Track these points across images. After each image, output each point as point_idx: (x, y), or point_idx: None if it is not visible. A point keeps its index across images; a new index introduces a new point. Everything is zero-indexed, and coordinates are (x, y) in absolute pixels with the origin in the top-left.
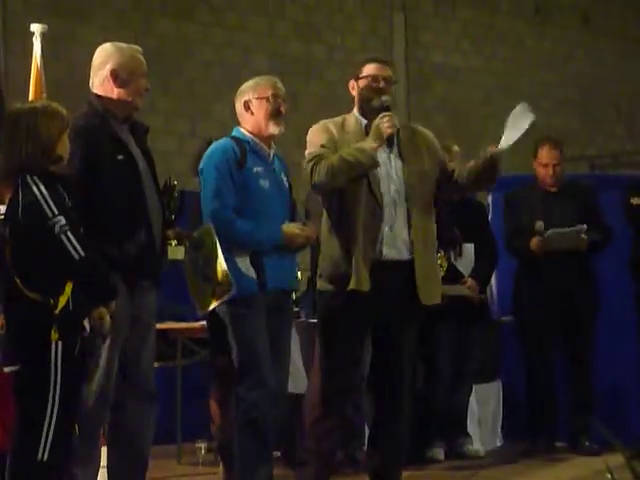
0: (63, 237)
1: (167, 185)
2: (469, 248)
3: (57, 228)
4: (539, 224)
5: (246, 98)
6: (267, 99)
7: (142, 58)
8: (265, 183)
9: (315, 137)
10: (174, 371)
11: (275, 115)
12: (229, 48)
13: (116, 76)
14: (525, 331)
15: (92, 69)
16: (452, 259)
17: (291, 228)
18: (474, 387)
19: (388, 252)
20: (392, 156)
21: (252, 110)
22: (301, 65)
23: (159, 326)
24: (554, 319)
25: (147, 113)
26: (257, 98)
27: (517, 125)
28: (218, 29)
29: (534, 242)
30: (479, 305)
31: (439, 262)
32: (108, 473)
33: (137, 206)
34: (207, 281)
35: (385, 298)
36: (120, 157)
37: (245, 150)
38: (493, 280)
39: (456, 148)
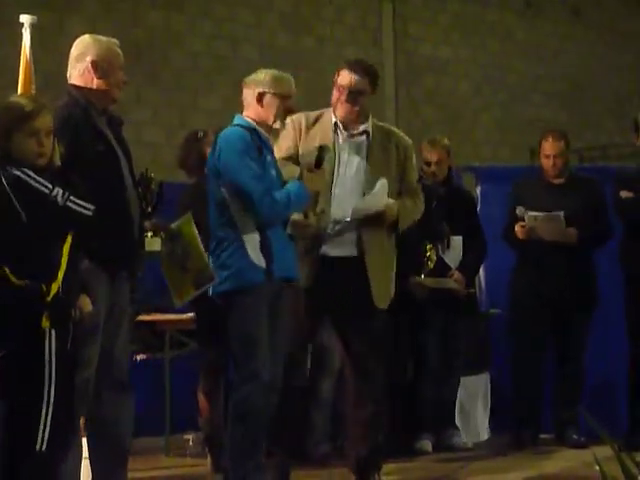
0: (70, 204)
1: (144, 177)
2: (457, 240)
3: (60, 199)
4: (519, 209)
5: (261, 90)
6: (283, 98)
7: (120, 51)
8: (273, 173)
9: (281, 142)
10: (162, 363)
11: (283, 115)
12: (218, 39)
13: (96, 67)
14: (516, 325)
15: (70, 61)
16: (440, 252)
17: (300, 218)
18: (462, 379)
19: (330, 250)
20: (355, 157)
21: (264, 103)
22: (290, 57)
23: (146, 318)
24: (546, 315)
25: (135, 104)
26: (273, 94)
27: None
28: (207, 20)
29: (517, 228)
30: (467, 298)
31: (428, 255)
32: (90, 464)
33: (117, 197)
34: (186, 271)
35: (330, 294)
36: (101, 148)
37: (255, 138)
38: (482, 272)
39: (446, 141)
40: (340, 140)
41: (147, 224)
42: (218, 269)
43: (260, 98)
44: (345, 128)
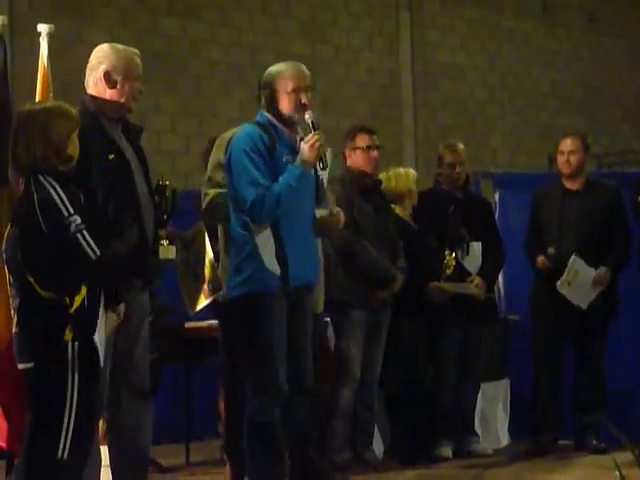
0: (79, 236)
1: (159, 185)
2: (477, 246)
3: (73, 227)
4: (550, 250)
5: (267, 89)
6: (288, 94)
7: (138, 61)
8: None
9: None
10: (183, 370)
11: (297, 109)
12: (236, 47)
13: (109, 77)
14: (536, 331)
15: (87, 69)
16: (459, 258)
17: (324, 216)
18: (482, 386)
19: None
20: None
21: (276, 100)
22: (307, 64)
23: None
24: (566, 321)
25: (153, 113)
26: (279, 90)
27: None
28: (224, 29)
29: (540, 261)
30: (486, 303)
31: (446, 260)
32: (111, 472)
33: (128, 205)
34: (197, 279)
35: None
36: (111, 156)
37: (273, 137)
38: (500, 278)
39: (461, 146)
40: None
41: (162, 232)
42: (233, 273)
43: (272, 96)
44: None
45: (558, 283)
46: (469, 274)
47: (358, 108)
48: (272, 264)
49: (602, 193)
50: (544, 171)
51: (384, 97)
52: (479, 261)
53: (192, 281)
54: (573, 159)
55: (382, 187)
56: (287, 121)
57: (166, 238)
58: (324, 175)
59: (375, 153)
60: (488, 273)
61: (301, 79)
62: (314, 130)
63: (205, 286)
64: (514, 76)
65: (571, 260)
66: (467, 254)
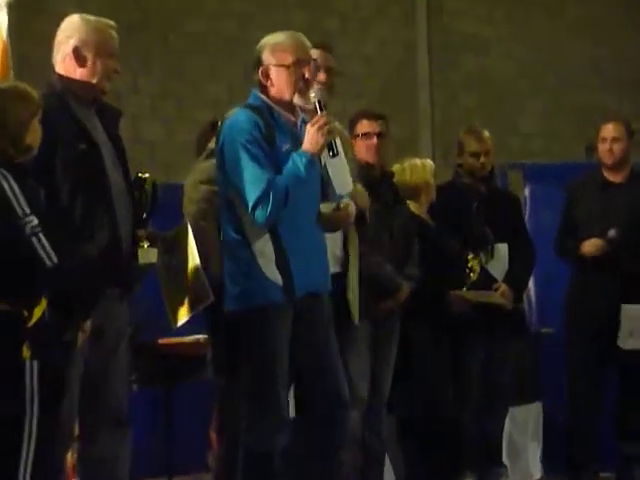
0: (34, 240)
1: (138, 178)
2: (503, 249)
3: (28, 229)
4: (612, 232)
5: (264, 64)
6: (287, 67)
7: (114, 34)
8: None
9: None
10: (163, 394)
11: (299, 86)
12: (224, 18)
13: (78, 54)
14: (571, 346)
15: (55, 44)
16: (483, 262)
17: (328, 210)
18: (510, 410)
19: None
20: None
21: (271, 79)
22: (309, 38)
23: (145, 342)
24: (606, 336)
25: (128, 95)
26: (276, 65)
27: None
28: None
29: (592, 244)
30: (514, 314)
31: (470, 265)
32: None
33: (99, 202)
34: (182, 288)
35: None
36: (82, 146)
37: (269, 124)
38: (531, 285)
39: (486, 133)
40: None
41: (142, 232)
42: (229, 284)
43: (266, 74)
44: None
45: (619, 338)
46: (494, 280)
47: (367, 88)
48: (272, 273)
49: None
50: (582, 161)
51: (397, 75)
52: (506, 265)
53: (175, 290)
54: (617, 148)
55: (395, 180)
56: (286, 103)
57: (146, 239)
58: (340, 164)
59: (374, 141)
60: (516, 279)
61: (302, 50)
62: (321, 111)
63: (190, 295)
64: (547, 49)
65: (622, 312)
66: (492, 257)
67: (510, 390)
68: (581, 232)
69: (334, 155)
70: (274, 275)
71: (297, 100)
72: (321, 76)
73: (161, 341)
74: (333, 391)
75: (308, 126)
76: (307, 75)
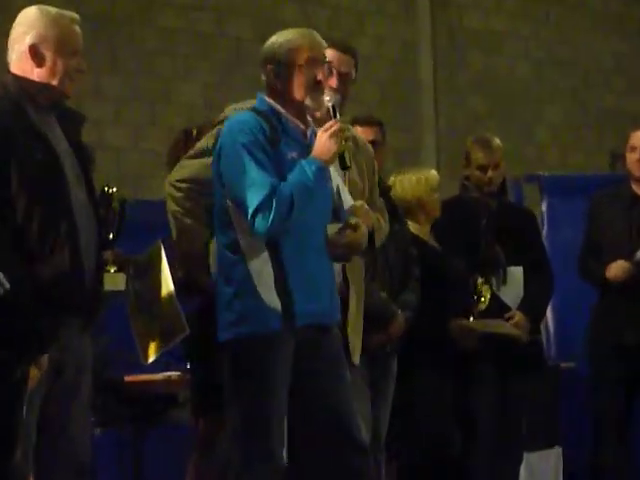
0: None
1: (104, 193)
2: (517, 272)
3: None
4: (639, 254)
5: (272, 64)
6: (300, 67)
7: (77, 30)
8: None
9: None
10: (131, 439)
11: (311, 88)
12: (198, 11)
13: (36, 52)
14: (597, 381)
15: (10, 40)
16: (494, 287)
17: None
18: (525, 456)
19: None
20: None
21: (281, 80)
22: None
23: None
24: (635, 373)
25: (91, 98)
26: (286, 64)
27: None
28: None
29: (618, 268)
30: (530, 347)
31: (479, 291)
32: None
33: (59, 220)
34: (153, 318)
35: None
36: (40, 156)
37: (275, 127)
38: (549, 314)
39: (497, 142)
40: None
41: (108, 255)
42: (223, 309)
43: (276, 74)
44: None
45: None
46: (507, 309)
47: (363, 90)
48: (270, 296)
49: None
50: (605, 172)
51: (396, 76)
52: (520, 291)
53: (146, 320)
54: None
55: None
56: (296, 108)
57: (113, 263)
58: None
59: None
60: (532, 307)
61: (317, 50)
62: (335, 116)
63: (162, 328)
64: (567, 47)
65: None
66: (504, 282)
67: (525, 433)
68: (607, 252)
69: (346, 167)
70: (272, 299)
71: (310, 104)
72: (332, 81)
73: (128, 378)
74: (348, 435)
75: (320, 131)
76: (319, 77)
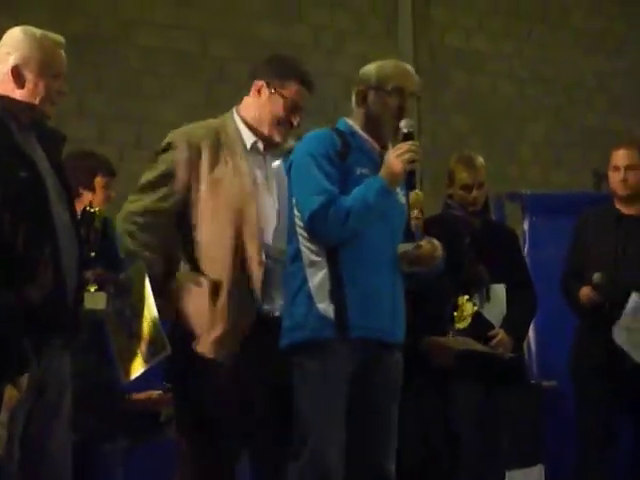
0: None
1: (86, 212)
2: (499, 290)
3: None
4: (597, 276)
5: (362, 87)
6: (386, 94)
7: (61, 53)
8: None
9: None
10: (110, 457)
11: (392, 114)
12: (181, 31)
13: (18, 74)
14: (581, 400)
15: None
16: (477, 305)
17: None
18: (507, 475)
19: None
20: None
21: (369, 102)
22: (277, 52)
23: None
24: (619, 392)
25: (75, 116)
26: (373, 91)
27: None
28: (167, 6)
29: (584, 295)
30: (513, 365)
31: (461, 309)
32: None
33: (42, 239)
34: (134, 338)
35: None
36: (22, 174)
37: (348, 143)
38: (531, 331)
39: (481, 161)
40: None
41: (89, 275)
42: (283, 317)
43: (364, 97)
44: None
45: (614, 329)
46: (490, 326)
47: (343, 110)
48: (324, 305)
49: None
50: (588, 190)
51: None
52: (503, 309)
53: (127, 340)
54: (632, 177)
55: None
56: (376, 131)
57: (94, 282)
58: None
59: None
60: (516, 325)
61: (407, 80)
62: (408, 140)
63: (143, 347)
64: (549, 65)
65: (631, 300)
66: (487, 300)
67: (508, 451)
68: (592, 272)
69: (412, 188)
70: (326, 308)
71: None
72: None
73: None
74: (378, 466)
75: (389, 152)
76: (402, 107)
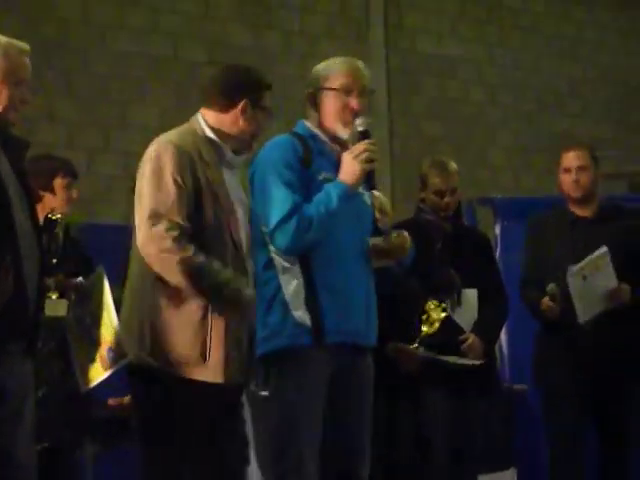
0: None
1: (47, 219)
2: (471, 294)
3: None
4: (551, 287)
5: (311, 89)
6: (334, 94)
7: (26, 61)
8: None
9: None
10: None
11: (345, 114)
12: (152, 34)
13: None
14: (545, 406)
15: None
16: (449, 309)
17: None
18: (479, 478)
19: None
20: None
21: (320, 104)
22: (248, 56)
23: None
24: (585, 393)
25: (44, 121)
26: (324, 91)
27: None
28: (137, 10)
29: (544, 304)
30: (484, 369)
31: (432, 314)
32: None
33: (1, 246)
34: (94, 344)
35: None
36: None
37: (310, 149)
38: (502, 337)
39: (453, 166)
40: None
41: (50, 282)
42: (258, 326)
43: (312, 98)
44: None
45: (573, 269)
46: (461, 331)
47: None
48: (300, 312)
49: (619, 221)
50: (558, 195)
51: None
52: (475, 313)
53: (87, 346)
54: (584, 178)
55: None
56: (332, 132)
57: (55, 289)
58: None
59: None
60: (487, 329)
61: (354, 77)
62: (364, 139)
63: (104, 353)
64: (520, 71)
65: (599, 251)
66: (459, 304)
67: (479, 456)
68: (549, 276)
69: (372, 188)
70: (302, 315)
71: (345, 134)
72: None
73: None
74: (354, 471)
75: (345, 154)
76: (353, 104)
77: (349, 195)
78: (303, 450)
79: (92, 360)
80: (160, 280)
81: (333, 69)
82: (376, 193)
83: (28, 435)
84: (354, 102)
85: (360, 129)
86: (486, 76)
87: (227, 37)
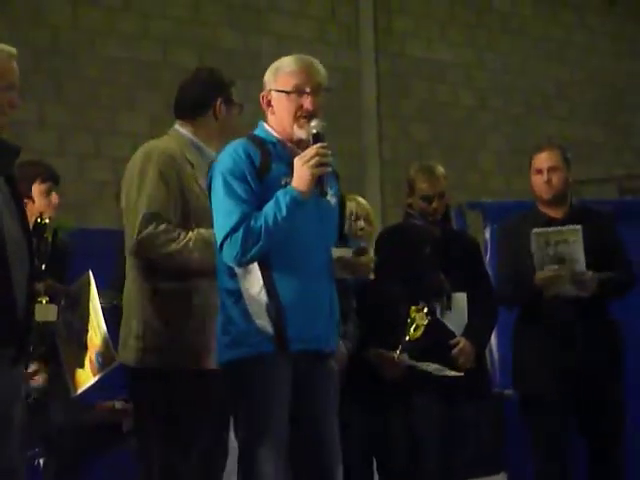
0: None
1: (37, 223)
2: (461, 298)
3: None
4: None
5: (266, 89)
6: (287, 95)
7: (13, 65)
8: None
9: None
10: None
11: (297, 115)
12: (142, 39)
13: None
14: (526, 409)
15: None
16: (438, 313)
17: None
18: None
19: None
20: None
21: (274, 106)
22: (239, 61)
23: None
24: (565, 393)
25: (34, 128)
26: (277, 91)
27: None
28: (128, 16)
29: (541, 276)
30: (474, 373)
31: (417, 319)
32: None
33: None
34: (83, 349)
35: None
36: None
37: (268, 153)
38: (493, 341)
39: (441, 170)
40: None
41: (39, 286)
42: (220, 333)
43: (267, 100)
44: None
45: (534, 232)
46: (452, 335)
47: None
48: (261, 320)
49: (592, 221)
50: None
51: (340, 104)
52: (465, 317)
53: (76, 351)
54: (556, 179)
55: None
56: (289, 135)
57: (45, 294)
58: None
59: None
60: (477, 334)
61: (306, 76)
62: (316, 143)
63: (92, 358)
64: (510, 75)
65: (572, 226)
66: (448, 308)
67: (469, 460)
68: (525, 279)
69: (323, 194)
70: (263, 322)
71: (301, 133)
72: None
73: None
74: (325, 469)
75: (296, 159)
76: (307, 104)
77: (300, 202)
78: (270, 454)
79: (81, 365)
80: (155, 282)
81: (285, 69)
82: (362, 201)
83: (17, 440)
84: (307, 102)
85: (313, 132)
86: (475, 80)
87: (217, 42)
